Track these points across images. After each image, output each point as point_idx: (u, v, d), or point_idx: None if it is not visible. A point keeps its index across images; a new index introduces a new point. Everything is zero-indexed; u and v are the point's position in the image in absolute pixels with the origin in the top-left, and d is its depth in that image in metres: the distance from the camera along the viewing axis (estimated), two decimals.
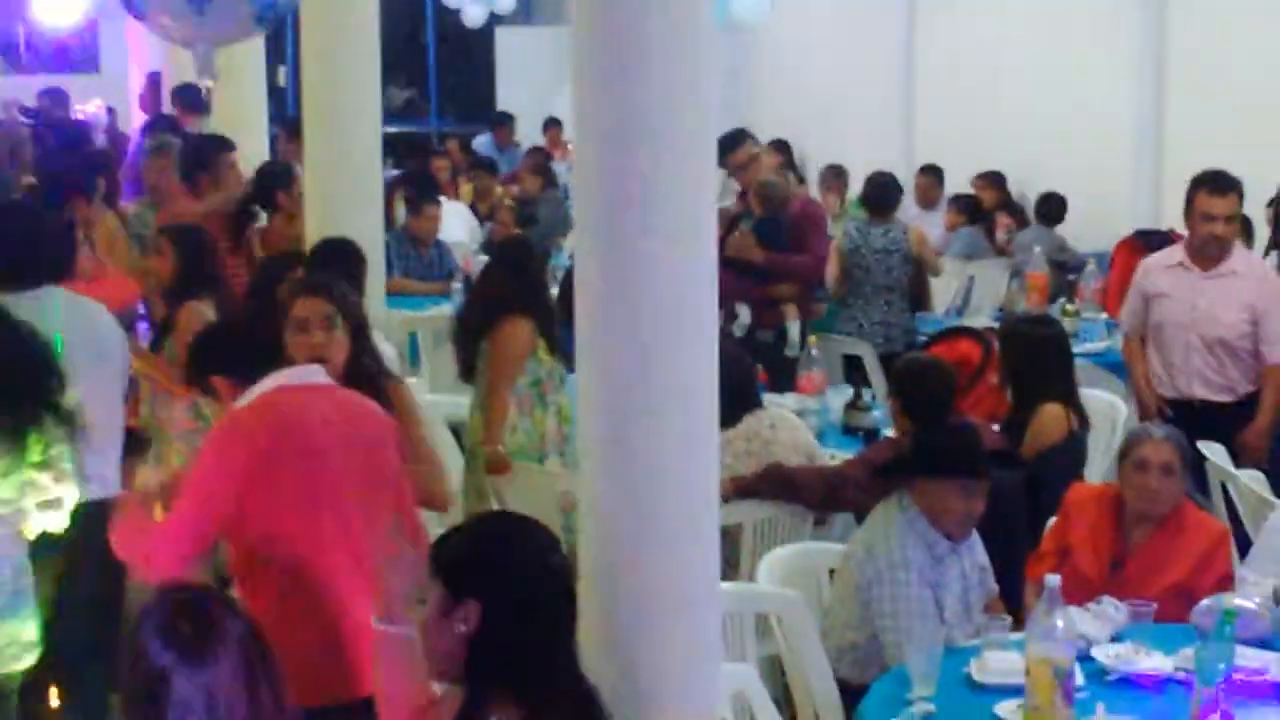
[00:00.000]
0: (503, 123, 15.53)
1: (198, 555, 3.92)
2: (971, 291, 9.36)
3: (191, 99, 11.89)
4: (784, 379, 7.25)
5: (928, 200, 11.76)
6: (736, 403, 5.39)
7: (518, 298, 6.09)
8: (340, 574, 3.90)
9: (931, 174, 11.93)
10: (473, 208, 11.80)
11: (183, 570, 3.80)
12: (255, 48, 9.01)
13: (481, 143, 15.30)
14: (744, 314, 7.93)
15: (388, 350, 5.58)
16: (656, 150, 3.52)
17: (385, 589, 3.41)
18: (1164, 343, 6.76)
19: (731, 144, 7.95)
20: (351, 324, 4.63)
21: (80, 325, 5.06)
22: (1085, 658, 4.17)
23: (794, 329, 7.93)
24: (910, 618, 4.48)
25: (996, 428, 5.84)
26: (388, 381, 4.77)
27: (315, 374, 4.13)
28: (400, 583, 3.36)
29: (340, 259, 5.99)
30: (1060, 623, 3.79)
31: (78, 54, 17.62)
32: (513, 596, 3.00)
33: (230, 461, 3.89)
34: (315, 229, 6.97)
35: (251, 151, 9.16)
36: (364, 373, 4.55)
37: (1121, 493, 4.92)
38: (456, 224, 10.67)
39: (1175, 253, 6.87)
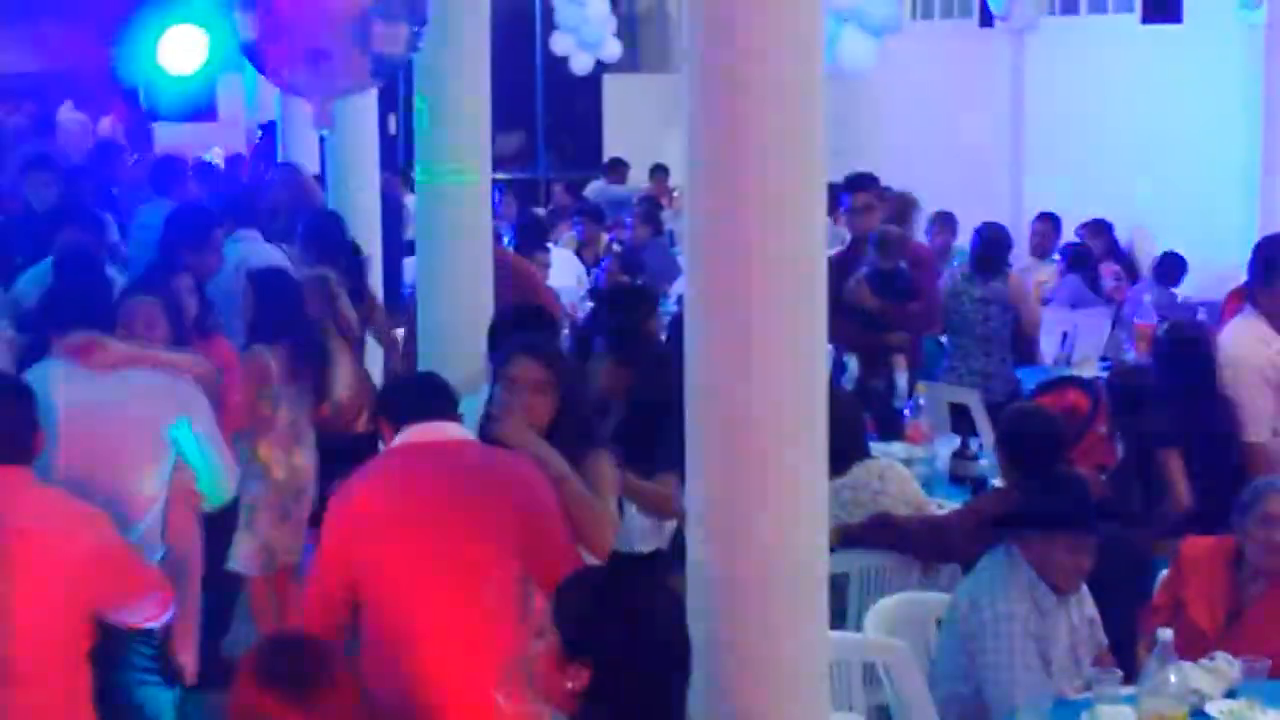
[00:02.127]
0: (615, 169, 15.65)
1: (334, 624, 3.99)
2: (1075, 340, 9.30)
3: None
4: (891, 428, 7.24)
5: (1043, 249, 11.50)
6: (845, 452, 5.39)
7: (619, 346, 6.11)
8: (427, 639, 3.92)
9: (1048, 221, 11.66)
10: (579, 254, 11.89)
11: (327, 625, 3.94)
12: (367, 96, 9.16)
13: (594, 188, 15.39)
14: (852, 365, 7.92)
15: None
16: (766, 197, 3.55)
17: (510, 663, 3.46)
18: None
19: (856, 186, 8.03)
20: (562, 393, 4.58)
21: None
22: (1199, 714, 4.13)
23: (902, 379, 7.91)
24: (1015, 670, 4.45)
25: (1104, 478, 5.80)
26: (589, 453, 4.61)
27: (446, 430, 4.16)
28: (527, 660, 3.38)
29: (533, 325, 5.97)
30: (1173, 677, 3.76)
31: (196, 103, 17.99)
32: (624, 668, 2.99)
33: (336, 528, 4.03)
34: (423, 276, 7.08)
35: (364, 199, 9.31)
36: (560, 439, 4.47)
37: (1240, 546, 4.86)
38: (564, 270, 10.77)
39: (1262, 328, 6.20)
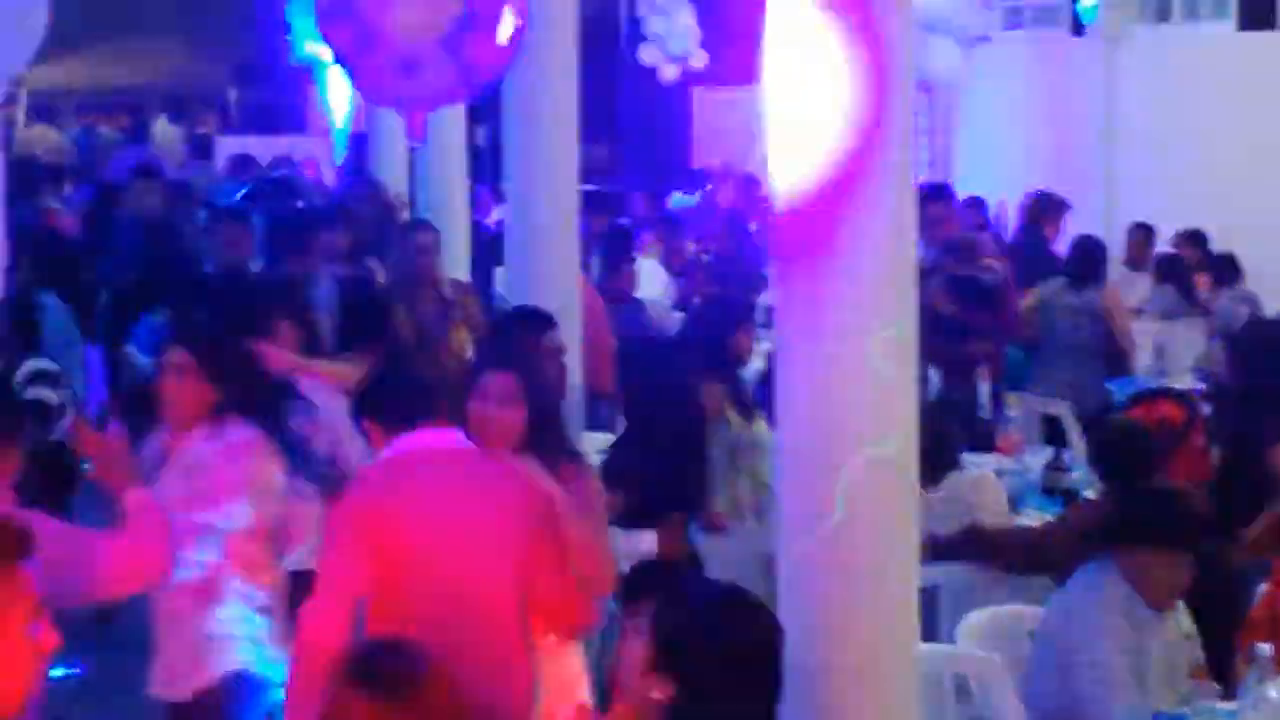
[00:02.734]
0: (702, 180, 15.68)
1: (346, 617, 3.87)
2: (1168, 351, 9.19)
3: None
4: (979, 440, 7.18)
5: (1138, 259, 11.32)
6: (936, 463, 5.36)
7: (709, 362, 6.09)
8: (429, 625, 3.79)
9: (1143, 232, 11.49)
10: (665, 264, 11.90)
11: (337, 635, 3.78)
12: (457, 109, 9.25)
13: (679, 199, 15.42)
14: (934, 378, 7.87)
15: None
16: (854, 208, 3.54)
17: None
18: None
19: (930, 197, 8.02)
20: (533, 402, 4.39)
21: None
22: None
23: (984, 390, 7.86)
24: (1110, 686, 4.40)
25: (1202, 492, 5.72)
26: (567, 466, 4.41)
27: (452, 437, 4.08)
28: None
29: (530, 328, 5.89)
30: (1273, 693, 3.70)
31: (286, 115, 18.20)
32: (711, 689, 2.97)
33: (347, 522, 3.94)
34: (513, 286, 7.13)
35: (454, 210, 9.39)
36: (537, 453, 4.28)
37: None
38: (651, 281, 10.77)
39: None
